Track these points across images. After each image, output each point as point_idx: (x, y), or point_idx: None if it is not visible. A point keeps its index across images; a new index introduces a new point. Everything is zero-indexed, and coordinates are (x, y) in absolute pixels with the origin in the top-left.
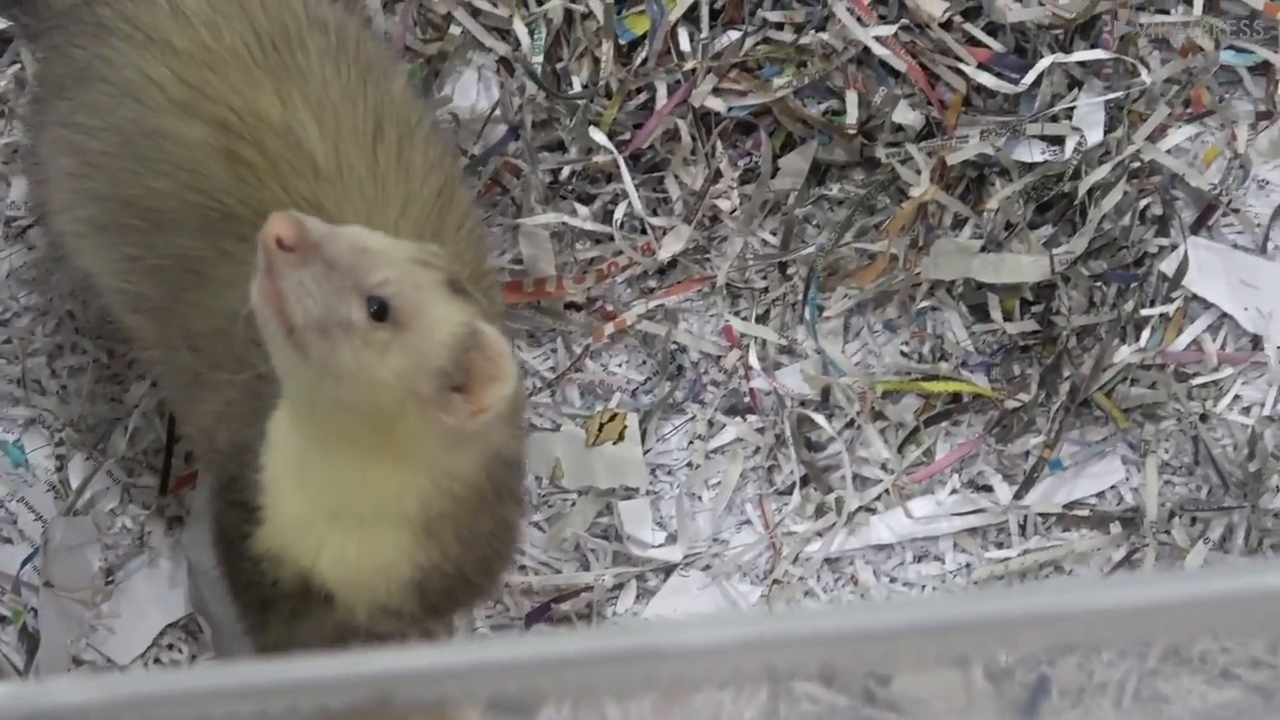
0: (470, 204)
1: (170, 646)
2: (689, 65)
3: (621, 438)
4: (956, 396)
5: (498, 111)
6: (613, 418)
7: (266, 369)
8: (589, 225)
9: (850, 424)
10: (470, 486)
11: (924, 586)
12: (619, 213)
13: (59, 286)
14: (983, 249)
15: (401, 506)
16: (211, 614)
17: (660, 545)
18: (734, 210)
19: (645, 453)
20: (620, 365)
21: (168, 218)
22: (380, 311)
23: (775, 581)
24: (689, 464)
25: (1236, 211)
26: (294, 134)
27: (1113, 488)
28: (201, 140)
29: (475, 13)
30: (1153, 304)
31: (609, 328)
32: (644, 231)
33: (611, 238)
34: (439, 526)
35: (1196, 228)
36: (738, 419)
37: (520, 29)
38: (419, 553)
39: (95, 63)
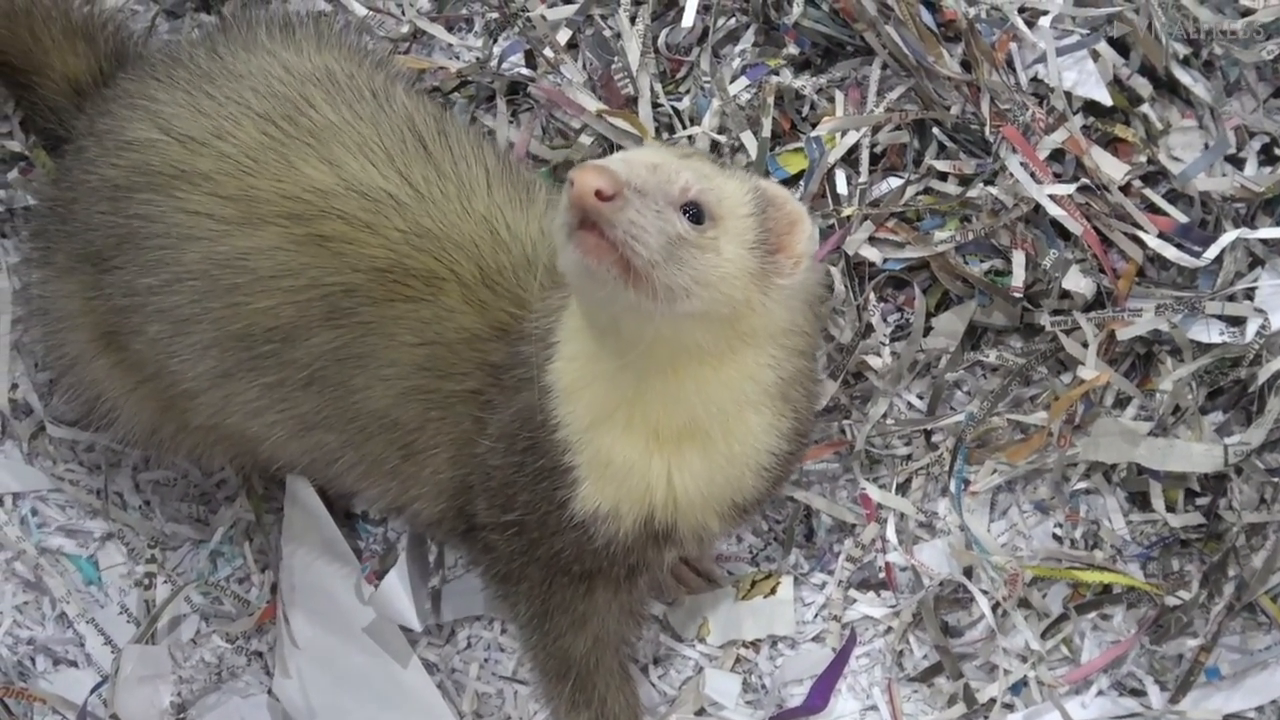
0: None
1: None
2: (845, 211)
3: (774, 592)
4: (1106, 587)
5: None
6: (767, 576)
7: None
8: None
9: (995, 609)
10: (805, 334)
11: None
12: None
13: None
14: (1149, 433)
15: (761, 384)
16: None
17: None
18: (884, 368)
19: None
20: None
21: (291, 329)
22: (697, 214)
23: None
24: (814, 639)
25: None
26: (357, 184)
27: (1273, 702)
28: (278, 241)
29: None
30: None
31: None
32: None
33: None
34: (792, 387)
35: None
36: (870, 594)
37: None
38: (782, 421)
39: (133, 223)
